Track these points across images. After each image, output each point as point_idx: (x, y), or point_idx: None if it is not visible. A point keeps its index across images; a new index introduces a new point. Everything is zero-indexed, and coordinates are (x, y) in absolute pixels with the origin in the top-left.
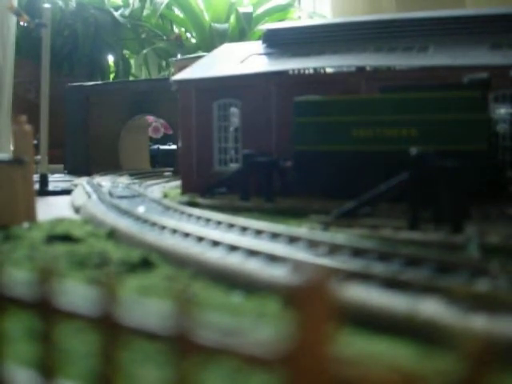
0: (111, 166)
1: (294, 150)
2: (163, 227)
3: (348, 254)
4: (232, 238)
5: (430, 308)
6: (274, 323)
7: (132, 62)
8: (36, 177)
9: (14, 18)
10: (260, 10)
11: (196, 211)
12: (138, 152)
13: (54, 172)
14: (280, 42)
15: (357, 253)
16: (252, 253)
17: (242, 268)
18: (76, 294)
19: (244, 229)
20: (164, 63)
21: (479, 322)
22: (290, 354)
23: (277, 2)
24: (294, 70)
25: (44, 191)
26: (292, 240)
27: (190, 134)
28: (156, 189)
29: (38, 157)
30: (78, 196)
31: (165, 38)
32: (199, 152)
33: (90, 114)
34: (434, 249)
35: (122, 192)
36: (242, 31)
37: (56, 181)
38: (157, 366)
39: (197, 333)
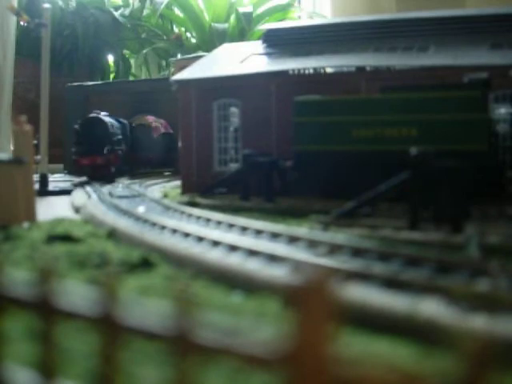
0: None
1: (294, 150)
2: (163, 227)
3: (348, 254)
4: (232, 237)
5: (430, 308)
6: (274, 323)
7: (132, 61)
8: (36, 177)
9: (13, 18)
10: (260, 10)
11: (196, 211)
12: None
13: (53, 172)
14: (280, 42)
15: (357, 253)
16: (252, 253)
17: (242, 268)
18: (76, 293)
19: (244, 229)
20: (164, 63)
21: (479, 322)
22: (290, 354)
23: (277, 1)
24: (293, 70)
25: (44, 191)
26: (292, 240)
27: (190, 134)
28: (156, 189)
29: (38, 157)
30: (78, 196)
31: (165, 37)
32: (199, 152)
33: (89, 113)
34: (434, 249)
35: (121, 192)
36: (241, 31)
37: (56, 181)
38: (157, 366)
39: (197, 333)
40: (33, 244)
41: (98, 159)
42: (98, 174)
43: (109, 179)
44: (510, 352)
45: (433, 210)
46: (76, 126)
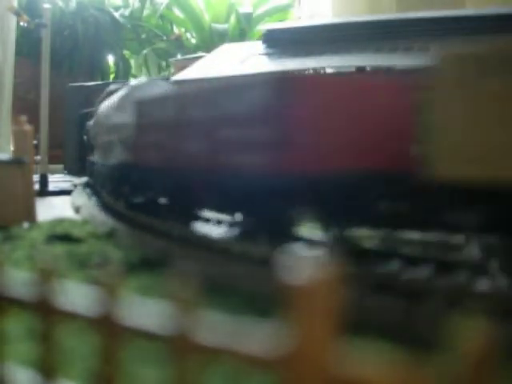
0: None
1: None
2: None
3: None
4: None
5: (426, 307)
6: (274, 323)
7: (132, 62)
8: (36, 177)
9: (14, 18)
10: (260, 10)
11: None
12: None
13: (54, 172)
14: (280, 41)
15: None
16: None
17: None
18: (76, 293)
19: None
20: (164, 63)
21: (479, 322)
22: (290, 354)
23: (277, 2)
24: (294, 70)
25: (44, 191)
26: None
27: None
28: None
29: (38, 157)
30: (78, 196)
31: (165, 38)
32: None
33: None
34: (434, 248)
35: None
36: (242, 31)
37: (56, 181)
38: (157, 366)
39: (197, 333)
40: (33, 244)
41: None
42: None
43: None
44: (510, 352)
45: None
46: None
